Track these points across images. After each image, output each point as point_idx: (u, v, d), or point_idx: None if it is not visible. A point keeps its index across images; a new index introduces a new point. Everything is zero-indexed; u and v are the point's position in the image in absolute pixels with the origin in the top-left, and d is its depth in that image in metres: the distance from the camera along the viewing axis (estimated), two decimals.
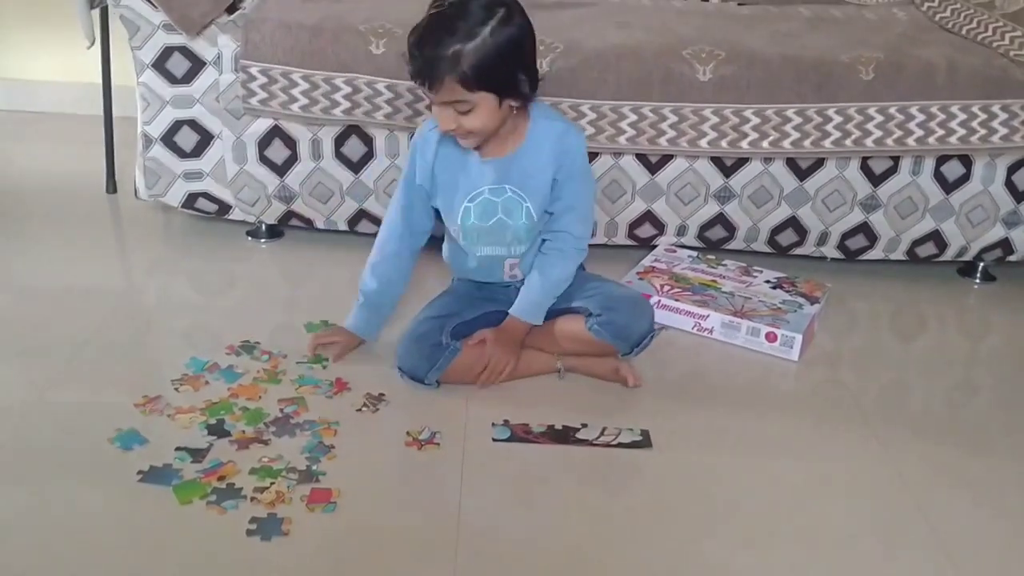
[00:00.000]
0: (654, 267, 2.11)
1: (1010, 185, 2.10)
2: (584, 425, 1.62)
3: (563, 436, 1.59)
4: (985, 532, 1.43)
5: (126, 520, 1.35)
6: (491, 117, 1.55)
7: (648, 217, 2.16)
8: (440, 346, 1.67)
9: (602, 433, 1.60)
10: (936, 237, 2.16)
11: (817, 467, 1.56)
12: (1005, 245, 2.17)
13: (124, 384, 1.64)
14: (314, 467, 1.46)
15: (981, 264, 2.26)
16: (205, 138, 2.11)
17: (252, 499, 1.38)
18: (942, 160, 2.08)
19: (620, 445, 1.58)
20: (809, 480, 1.52)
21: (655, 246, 2.22)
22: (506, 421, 1.61)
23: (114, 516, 1.35)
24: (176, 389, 1.64)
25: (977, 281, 2.28)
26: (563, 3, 2.30)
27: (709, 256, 2.18)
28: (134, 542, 1.31)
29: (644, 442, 1.59)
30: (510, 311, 1.71)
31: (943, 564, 1.35)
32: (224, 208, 2.18)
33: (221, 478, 1.42)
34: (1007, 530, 1.44)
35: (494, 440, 1.57)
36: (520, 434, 1.58)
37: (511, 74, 1.53)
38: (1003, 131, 2.02)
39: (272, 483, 1.42)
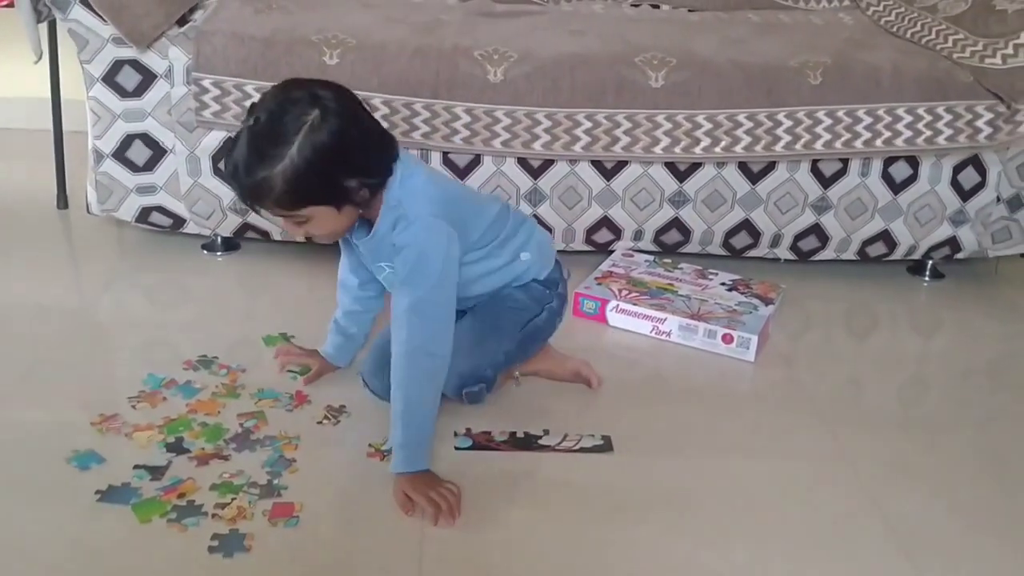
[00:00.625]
0: (612, 272, 2.13)
1: (956, 185, 2.15)
2: (546, 432, 1.62)
3: (525, 443, 1.60)
4: (940, 526, 1.46)
5: (85, 541, 1.33)
6: (333, 223, 1.43)
7: (605, 222, 2.18)
8: None
9: (564, 439, 1.61)
10: (886, 237, 2.21)
11: (775, 465, 1.58)
12: (953, 243, 2.22)
13: (80, 402, 1.62)
14: (276, 481, 1.46)
15: (930, 262, 2.32)
16: (158, 152, 2.09)
17: (213, 515, 1.37)
18: (889, 161, 2.12)
19: (582, 450, 1.59)
20: (767, 478, 1.55)
21: (612, 251, 2.24)
22: (468, 430, 1.61)
23: (72, 537, 1.33)
24: (133, 406, 1.62)
25: (926, 279, 2.33)
26: (515, 12, 2.32)
27: (666, 260, 2.21)
28: (94, 562, 1.29)
29: (605, 446, 1.60)
30: (392, 469, 1.44)
31: (899, 559, 1.38)
32: (179, 222, 2.16)
33: (181, 495, 1.41)
34: (961, 523, 1.47)
35: (456, 449, 1.57)
36: (482, 442, 1.59)
37: (334, 185, 1.38)
38: (948, 132, 2.07)
39: (233, 499, 1.41)
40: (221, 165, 2.06)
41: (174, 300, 2.08)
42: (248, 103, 1.97)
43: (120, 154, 2.09)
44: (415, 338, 1.44)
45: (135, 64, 2.04)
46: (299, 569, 1.30)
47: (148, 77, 2.05)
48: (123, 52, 2.03)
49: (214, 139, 2.06)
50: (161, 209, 2.14)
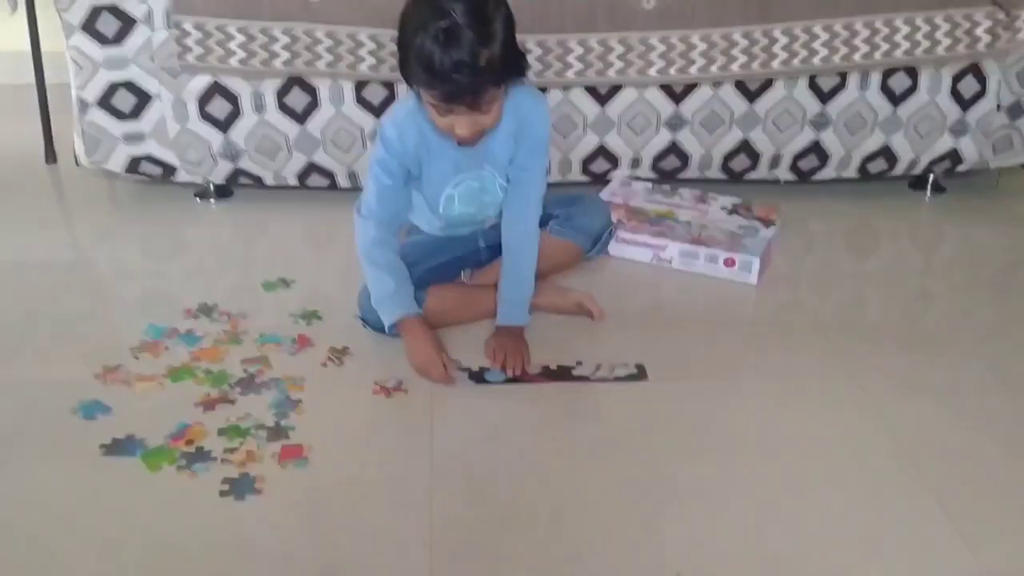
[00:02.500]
0: (610, 201, 2.10)
1: (956, 94, 2.12)
2: (579, 363, 1.62)
3: (560, 375, 1.59)
4: (946, 435, 1.46)
5: (96, 491, 1.33)
6: (501, 106, 1.49)
7: (601, 151, 2.15)
8: None
9: (598, 369, 1.61)
10: (886, 152, 2.18)
11: (782, 385, 1.58)
12: (954, 156, 2.19)
13: (82, 356, 1.61)
14: (283, 422, 1.46)
15: (931, 177, 2.29)
16: (143, 99, 2.05)
17: (223, 460, 1.37)
18: (888, 73, 2.09)
19: (617, 379, 1.58)
20: (774, 398, 1.55)
21: (610, 180, 2.21)
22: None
23: (83, 488, 1.34)
24: (136, 357, 1.62)
25: (928, 194, 2.31)
26: None
27: (664, 187, 2.18)
28: (107, 512, 1.29)
29: (640, 375, 1.59)
30: (497, 321, 1.64)
31: (907, 469, 1.39)
32: (169, 170, 2.13)
33: (189, 442, 1.41)
34: (967, 431, 1.47)
35: (489, 382, 1.56)
36: (517, 375, 1.58)
37: (520, 55, 1.48)
38: (946, 41, 2.03)
39: (242, 442, 1.41)
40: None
41: (170, 250, 2.06)
42: (230, 44, 1.95)
43: (105, 103, 2.05)
44: (538, 217, 1.66)
45: (113, 10, 1.99)
46: (311, 508, 1.31)
47: (127, 22, 2.00)
48: None
49: (199, 83, 2.02)
50: (151, 158, 2.11)
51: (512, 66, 1.45)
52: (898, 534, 1.27)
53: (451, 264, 1.75)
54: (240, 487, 1.33)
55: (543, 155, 1.65)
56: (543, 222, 1.72)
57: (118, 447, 1.40)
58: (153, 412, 1.48)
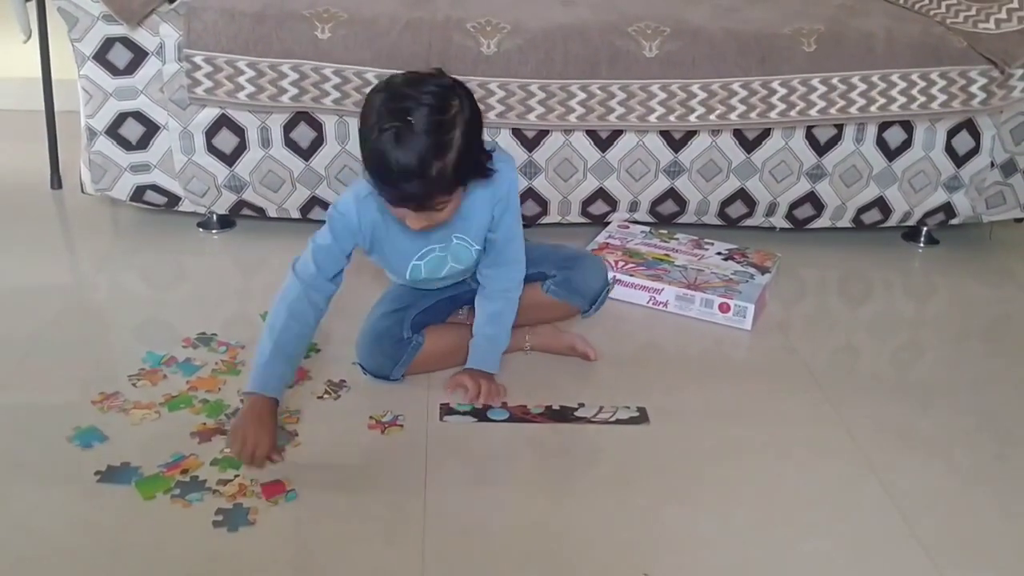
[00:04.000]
0: (608, 243, 2.13)
1: (950, 150, 2.15)
2: (581, 404, 1.63)
3: (562, 415, 1.60)
4: (935, 488, 1.48)
5: (90, 519, 1.33)
6: (458, 202, 1.46)
7: (600, 194, 2.18)
8: (402, 341, 1.64)
9: (599, 411, 1.62)
10: (881, 203, 2.21)
11: (773, 432, 1.59)
12: (947, 209, 2.23)
13: (80, 382, 1.62)
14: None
15: (925, 228, 2.32)
16: (151, 129, 2.08)
17: (215, 492, 1.38)
18: (884, 127, 2.12)
19: (618, 421, 1.60)
20: (766, 445, 1.56)
21: (608, 223, 2.24)
22: (504, 404, 1.62)
23: (77, 515, 1.34)
24: (134, 384, 1.63)
25: (921, 245, 2.34)
26: None
27: (662, 231, 2.21)
28: (100, 540, 1.30)
29: (641, 418, 1.61)
30: (468, 364, 1.65)
31: (896, 521, 1.40)
32: (173, 200, 2.16)
33: (184, 471, 1.42)
34: (956, 485, 1.49)
35: (492, 420, 1.58)
36: (519, 415, 1.59)
37: (480, 160, 1.44)
38: (942, 97, 2.07)
39: (236, 475, 1.42)
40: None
41: (171, 278, 2.08)
42: (239, 79, 1.99)
43: (113, 132, 2.08)
44: (522, 271, 1.66)
45: (126, 41, 2.02)
46: (304, 542, 1.31)
47: (139, 54, 2.03)
48: (113, 30, 2.01)
49: (207, 116, 2.05)
50: (155, 187, 2.14)
51: (469, 171, 1.42)
52: None
53: (443, 304, 1.73)
54: (233, 518, 1.33)
55: (514, 213, 1.60)
56: (539, 278, 1.71)
57: (113, 474, 1.41)
58: (149, 440, 1.49)
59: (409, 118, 1.34)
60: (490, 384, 1.63)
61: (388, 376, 1.65)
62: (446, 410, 1.59)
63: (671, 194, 2.18)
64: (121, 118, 2.07)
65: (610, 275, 1.92)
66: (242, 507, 1.35)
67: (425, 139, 1.33)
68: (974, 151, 2.16)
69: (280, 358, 1.49)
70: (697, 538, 1.35)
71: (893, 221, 2.25)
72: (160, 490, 1.38)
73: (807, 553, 1.33)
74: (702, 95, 2.05)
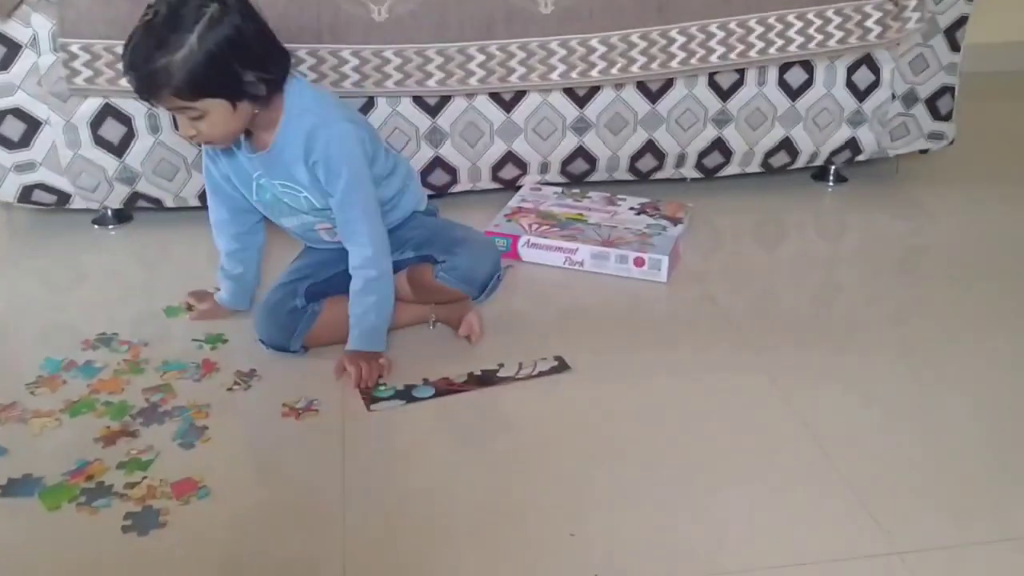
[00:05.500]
0: (521, 207, 2.10)
1: (851, 86, 2.16)
2: (501, 365, 1.61)
3: (486, 380, 1.58)
4: (856, 422, 1.49)
5: None
6: (227, 121, 1.45)
7: (510, 158, 2.14)
8: (296, 311, 1.63)
9: (520, 368, 1.61)
10: (787, 145, 2.21)
11: (695, 381, 1.59)
12: (853, 145, 2.24)
13: None
14: (189, 451, 1.41)
15: (833, 167, 2.34)
16: (32, 126, 1.98)
17: (122, 496, 1.32)
18: (785, 68, 2.12)
19: (541, 374, 1.59)
20: (688, 395, 1.55)
21: (520, 186, 2.21)
22: (425, 380, 1.58)
23: None
24: (32, 393, 1.55)
25: (831, 184, 2.35)
26: None
27: (574, 190, 2.18)
28: (5, 556, 1.23)
29: (561, 367, 1.60)
30: (347, 347, 1.59)
31: (819, 458, 1.40)
32: (64, 197, 2.06)
33: (89, 477, 1.36)
34: (877, 418, 1.50)
35: (418, 399, 1.54)
36: (444, 387, 1.56)
37: (233, 78, 1.42)
38: (839, 34, 2.07)
39: (144, 477, 1.36)
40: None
41: (69, 279, 1.99)
42: (120, 65, 1.89)
43: None
44: (377, 241, 1.58)
45: None
46: (219, 538, 1.26)
47: (12, 48, 1.93)
48: None
49: (91, 106, 1.96)
50: (43, 186, 2.04)
51: (214, 84, 1.41)
52: (812, 521, 1.28)
53: (340, 277, 1.66)
54: (143, 521, 1.28)
55: (343, 177, 1.52)
56: (429, 260, 1.66)
57: (14, 487, 1.35)
58: (51, 449, 1.42)
59: (153, 13, 1.40)
60: (369, 364, 1.56)
61: (287, 348, 1.63)
62: (370, 399, 1.54)
63: (580, 152, 2.15)
64: (0, 116, 1.96)
65: (520, 242, 1.90)
66: (152, 509, 1.30)
67: (158, 35, 1.38)
68: (874, 85, 2.17)
69: (229, 280, 1.74)
70: (624, 495, 1.33)
71: (801, 162, 2.26)
72: (65, 499, 1.32)
73: (734, 498, 1.32)
74: (602, 49, 2.02)
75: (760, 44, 2.06)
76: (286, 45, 1.53)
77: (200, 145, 1.65)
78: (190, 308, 1.78)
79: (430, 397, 1.54)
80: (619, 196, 2.15)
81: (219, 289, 1.77)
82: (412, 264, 1.69)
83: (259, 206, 1.66)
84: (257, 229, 1.72)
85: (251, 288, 1.76)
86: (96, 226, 2.14)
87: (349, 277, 1.67)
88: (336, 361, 1.59)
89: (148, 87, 1.41)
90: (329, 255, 1.70)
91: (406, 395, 1.55)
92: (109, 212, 2.13)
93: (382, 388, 1.56)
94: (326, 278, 1.68)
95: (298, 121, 1.51)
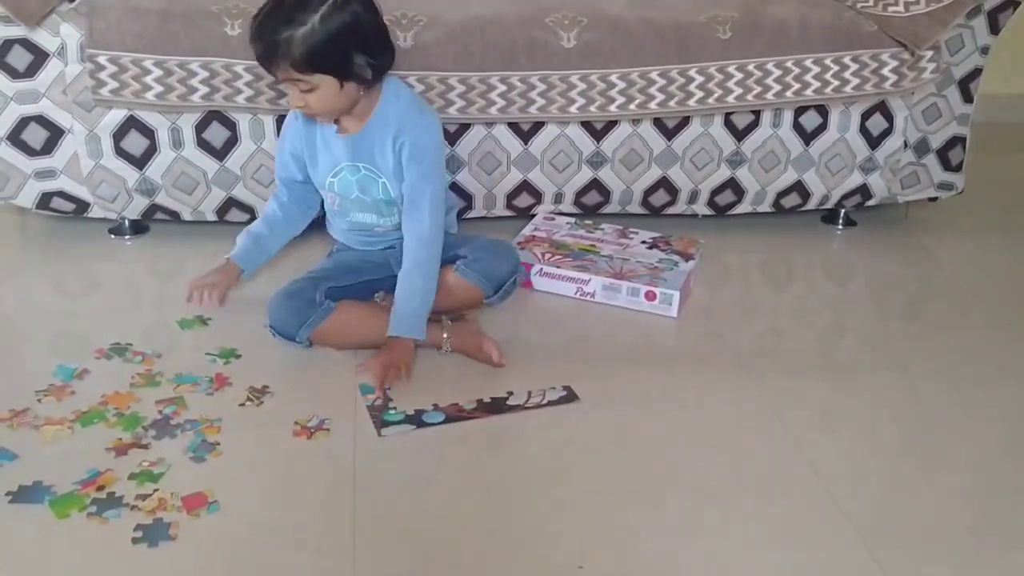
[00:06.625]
0: (534, 236, 2.12)
1: (864, 132, 2.19)
2: (511, 393, 1.63)
3: (496, 407, 1.59)
4: (862, 464, 1.50)
5: (2, 541, 1.27)
6: (334, 98, 1.62)
7: (525, 187, 2.16)
8: (313, 303, 1.68)
9: (529, 396, 1.62)
10: (799, 187, 2.24)
11: (702, 417, 1.60)
12: (864, 191, 2.27)
13: None
14: (200, 465, 1.42)
15: (843, 210, 2.36)
16: (55, 134, 2.00)
17: (134, 507, 1.33)
18: (800, 112, 2.15)
19: (550, 403, 1.60)
20: (696, 430, 1.57)
21: (534, 215, 2.23)
22: (435, 405, 1.59)
23: None
24: (42, 400, 1.56)
25: (840, 227, 2.38)
26: None
27: (587, 221, 2.20)
28: (14, 562, 1.24)
29: (570, 396, 1.62)
30: (389, 332, 1.65)
31: (825, 500, 1.41)
32: (82, 206, 2.08)
33: (100, 488, 1.36)
34: (882, 462, 1.51)
35: (428, 424, 1.54)
36: (453, 414, 1.57)
37: (345, 59, 1.59)
38: (855, 81, 2.10)
39: (155, 489, 1.36)
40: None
41: (82, 288, 2.00)
42: (147, 79, 1.92)
43: (15, 138, 1.99)
44: (435, 225, 1.71)
45: (25, 43, 1.94)
46: (228, 554, 1.27)
47: (40, 56, 1.95)
48: (11, 31, 1.92)
49: (114, 117, 1.98)
50: (63, 194, 2.05)
51: (328, 62, 1.57)
52: (816, 563, 1.29)
53: (363, 286, 1.80)
54: (153, 533, 1.29)
55: (424, 162, 1.70)
56: (451, 260, 1.78)
57: (25, 494, 1.35)
58: (62, 457, 1.43)
59: None
60: (392, 361, 1.62)
61: (294, 336, 1.67)
62: (381, 423, 1.55)
63: (595, 184, 2.18)
64: (23, 123, 1.98)
65: (533, 271, 1.93)
66: (162, 522, 1.31)
67: (286, 10, 1.55)
68: (887, 132, 2.20)
69: (248, 237, 1.84)
70: (630, 527, 1.34)
71: (812, 204, 2.29)
72: (75, 508, 1.33)
73: (740, 535, 1.33)
74: (621, 85, 2.05)
75: (777, 87, 2.09)
76: None
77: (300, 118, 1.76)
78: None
79: (440, 423, 1.56)
80: (631, 229, 2.17)
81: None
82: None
83: (330, 198, 1.80)
84: (302, 216, 1.88)
85: (265, 254, 1.86)
86: (112, 236, 2.16)
87: (365, 289, 1.77)
88: (364, 364, 1.65)
89: (269, 56, 1.57)
90: (358, 262, 1.81)
91: (416, 420, 1.56)
92: (126, 222, 2.15)
93: (392, 412, 1.57)
94: (348, 284, 1.77)
95: (393, 107, 1.69)
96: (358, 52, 1.59)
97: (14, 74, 1.95)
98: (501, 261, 1.82)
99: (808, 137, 2.18)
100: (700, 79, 2.06)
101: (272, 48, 1.56)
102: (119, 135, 1.99)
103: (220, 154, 2.03)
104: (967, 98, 2.23)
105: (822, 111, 2.16)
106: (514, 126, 2.08)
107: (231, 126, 2.01)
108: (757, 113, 2.14)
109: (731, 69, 2.07)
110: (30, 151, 2.01)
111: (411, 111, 1.71)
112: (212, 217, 2.12)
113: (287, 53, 1.55)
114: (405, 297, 1.67)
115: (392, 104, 1.69)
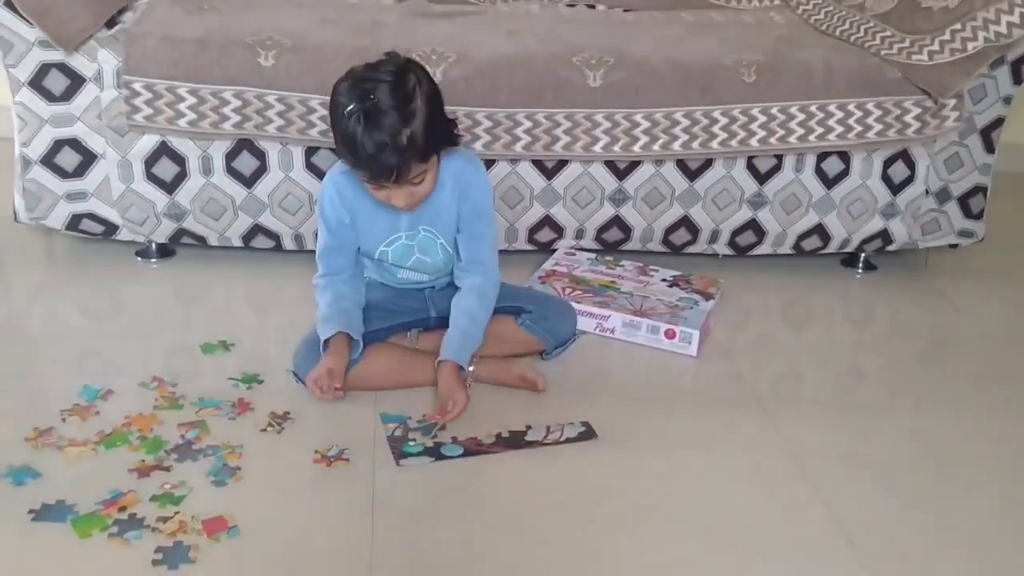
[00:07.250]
0: (555, 270, 2.14)
1: (886, 178, 2.21)
2: (529, 427, 1.63)
3: (515, 443, 1.60)
4: (880, 511, 1.50)
5: (24, 558, 1.29)
6: (433, 176, 1.60)
7: (547, 222, 2.18)
8: None
9: (548, 432, 1.62)
10: (820, 231, 2.25)
11: (720, 457, 1.60)
12: (884, 236, 2.28)
13: (12, 417, 1.57)
14: (220, 489, 1.43)
15: (863, 255, 2.37)
16: (88, 158, 2.04)
17: (154, 529, 1.34)
18: (822, 157, 2.17)
19: (568, 440, 1.61)
20: (713, 470, 1.57)
21: (555, 250, 2.25)
22: (454, 439, 1.59)
23: (11, 555, 1.29)
24: (67, 420, 1.58)
25: (860, 271, 2.38)
26: (452, 12, 2.31)
27: (607, 258, 2.22)
28: None
29: (588, 433, 1.62)
30: (440, 356, 1.66)
31: (842, 545, 1.41)
32: (111, 228, 2.11)
33: (122, 508, 1.38)
34: (901, 507, 1.51)
35: (446, 457, 1.55)
36: (472, 448, 1.58)
37: (446, 126, 1.59)
38: (878, 127, 2.12)
39: (176, 512, 1.38)
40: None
41: (108, 309, 2.03)
42: (180, 106, 1.96)
43: (48, 160, 2.03)
44: (494, 269, 1.75)
45: (63, 68, 1.98)
46: None
47: (77, 81, 1.99)
48: (50, 56, 1.97)
49: (147, 143, 2.02)
50: (92, 216, 2.09)
51: (438, 139, 1.56)
52: None
53: (397, 329, 1.79)
54: (173, 556, 1.30)
55: (485, 215, 1.73)
56: (514, 311, 1.80)
57: (47, 512, 1.37)
58: (85, 477, 1.45)
59: (372, 96, 1.47)
60: (458, 396, 1.61)
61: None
62: (399, 454, 1.56)
63: (616, 222, 2.19)
64: (57, 146, 2.02)
65: (558, 287, 1.97)
66: (183, 544, 1.32)
67: (392, 113, 1.47)
68: (909, 179, 2.21)
69: (336, 309, 1.68)
70: (647, 567, 1.34)
71: (832, 247, 2.30)
72: (97, 528, 1.34)
73: None
74: (645, 124, 2.07)
75: (800, 131, 2.10)
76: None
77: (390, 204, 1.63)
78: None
79: (458, 456, 1.56)
80: (651, 267, 2.19)
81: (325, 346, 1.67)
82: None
83: (386, 258, 1.74)
84: (360, 278, 1.80)
85: (356, 317, 1.71)
86: (139, 259, 2.18)
87: (401, 329, 1.78)
88: (449, 380, 1.63)
89: (399, 165, 1.49)
90: (390, 304, 1.78)
91: (435, 452, 1.57)
92: (153, 246, 2.18)
93: (411, 444, 1.58)
94: (380, 329, 1.74)
95: (447, 165, 1.66)
96: (445, 117, 1.59)
97: (50, 98, 2.00)
98: (567, 321, 1.86)
99: (830, 182, 2.19)
100: (724, 121, 2.08)
101: (400, 157, 1.48)
102: (151, 161, 2.03)
103: (249, 182, 2.06)
104: (989, 148, 2.24)
105: (844, 157, 2.18)
106: (538, 163, 2.11)
107: (260, 155, 2.04)
108: (780, 157, 2.16)
109: (755, 112, 2.09)
110: (63, 173, 2.04)
111: (466, 166, 1.70)
112: (238, 243, 2.15)
113: (414, 152, 1.49)
114: (466, 328, 1.68)
115: (448, 163, 1.66)
